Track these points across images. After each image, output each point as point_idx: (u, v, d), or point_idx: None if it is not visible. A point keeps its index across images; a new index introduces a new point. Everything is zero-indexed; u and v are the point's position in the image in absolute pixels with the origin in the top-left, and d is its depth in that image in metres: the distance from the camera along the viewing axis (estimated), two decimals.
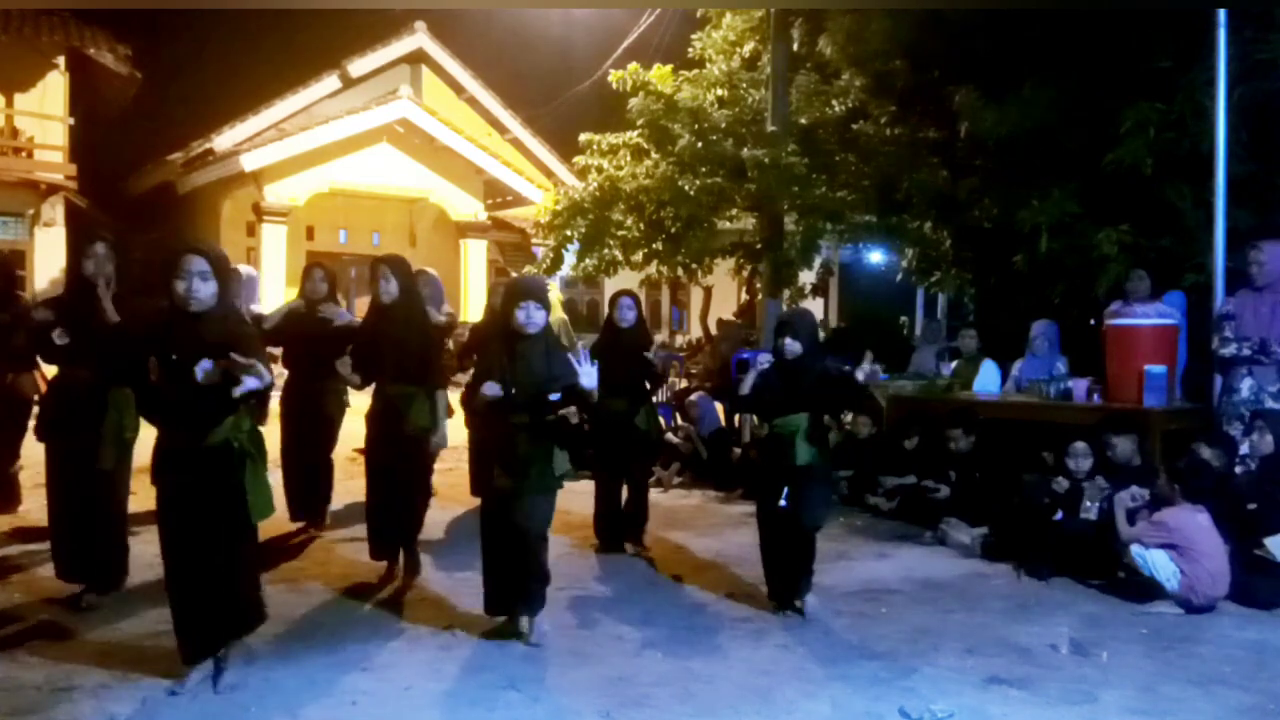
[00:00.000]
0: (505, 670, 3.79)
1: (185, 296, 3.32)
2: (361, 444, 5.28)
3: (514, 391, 3.95)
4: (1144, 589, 4.79)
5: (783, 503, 4.52)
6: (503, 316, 4.10)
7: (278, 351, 6.03)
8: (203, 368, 3.23)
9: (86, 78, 15.89)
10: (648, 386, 5.90)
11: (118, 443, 4.36)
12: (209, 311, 3.38)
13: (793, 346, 4.54)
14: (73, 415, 4.37)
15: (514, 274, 17.79)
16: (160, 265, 3.38)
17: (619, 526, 5.81)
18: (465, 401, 4.22)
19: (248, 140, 17.08)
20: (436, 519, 6.41)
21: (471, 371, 4.28)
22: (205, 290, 3.34)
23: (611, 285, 11.23)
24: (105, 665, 3.72)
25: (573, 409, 4.01)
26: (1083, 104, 7.18)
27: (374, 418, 4.96)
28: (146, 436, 3.74)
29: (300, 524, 5.97)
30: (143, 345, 3.42)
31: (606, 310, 5.93)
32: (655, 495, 7.46)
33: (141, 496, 4.47)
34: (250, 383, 3.22)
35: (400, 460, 4.90)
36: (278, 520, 6.04)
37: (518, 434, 4.00)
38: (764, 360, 4.79)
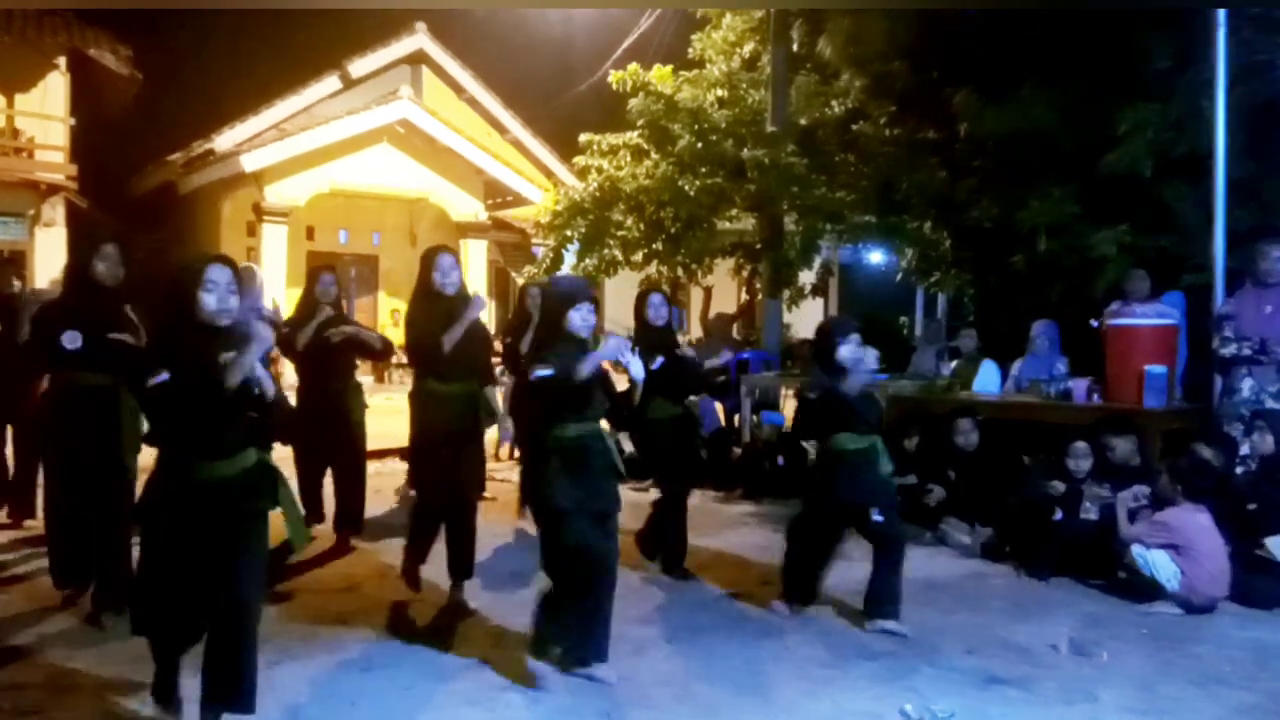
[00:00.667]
0: (505, 670, 3.79)
1: (216, 311, 3.08)
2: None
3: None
4: (1144, 589, 4.79)
5: (877, 516, 4.46)
6: (553, 319, 3.79)
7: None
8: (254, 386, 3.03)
9: (87, 78, 15.88)
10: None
11: (135, 447, 4.23)
12: (232, 326, 3.13)
13: (866, 357, 4.39)
14: (82, 421, 4.20)
15: (514, 275, 17.81)
16: (177, 275, 3.15)
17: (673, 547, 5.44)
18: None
19: (248, 140, 17.07)
20: None
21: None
22: (234, 304, 3.13)
23: (611, 285, 11.23)
24: (105, 665, 3.72)
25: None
26: (1081, 105, 7.18)
27: (438, 416, 4.56)
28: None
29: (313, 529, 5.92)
30: (160, 366, 3.00)
31: (634, 310, 5.46)
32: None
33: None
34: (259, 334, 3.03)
35: (456, 478, 4.62)
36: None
37: (594, 445, 3.74)
38: (863, 360, 4.42)
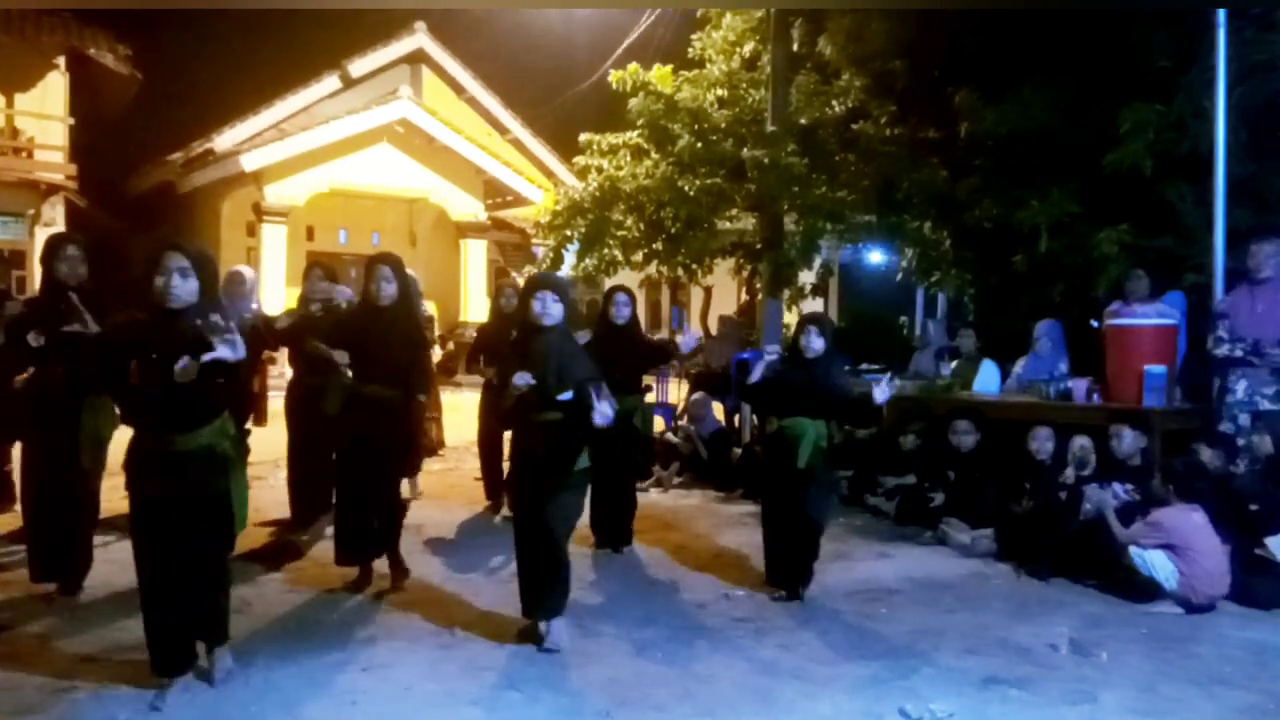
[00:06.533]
0: (505, 670, 3.79)
1: (164, 293, 3.27)
2: None
3: (534, 383, 3.97)
4: (1144, 589, 4.78)
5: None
6: (520, 309, 4.20)
7: (281, 354, 5.99)
8: (181, 364, 3.21)
9: (87, 78, 15.90)
10: (644, 381, 5.88)
11: (95, 443, 4.38)
12: (189, 309, 3.33)
13: (817, 344, 4.74)
14: (48, 415, 4.37)
15: (514, 274, 17.80)
16: (142, 264, 3.37)
17: (616, 526, 5.79)
18: (490, 400, 4.27)
19: (248, 140, 17.09)
20: (444, 520, 6.43)
21: (493, 371, 4.34)
22: (185, 288, 3.29)
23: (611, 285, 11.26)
24: (105, 665, 3.72)
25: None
26: (1082, 104, 7.18)
27: (349, 421, 4.74)
28: (121, 438, 3.70)
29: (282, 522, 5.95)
30: (125, 349, 3.37)
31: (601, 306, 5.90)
32: (655, 495, 7.49)
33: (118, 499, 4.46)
34: (221, 351, 3.19)
35: (378, 467, 4.73)
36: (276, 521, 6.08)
37: (536, 429, 4.04)
38: (772, 351, 4.89)
